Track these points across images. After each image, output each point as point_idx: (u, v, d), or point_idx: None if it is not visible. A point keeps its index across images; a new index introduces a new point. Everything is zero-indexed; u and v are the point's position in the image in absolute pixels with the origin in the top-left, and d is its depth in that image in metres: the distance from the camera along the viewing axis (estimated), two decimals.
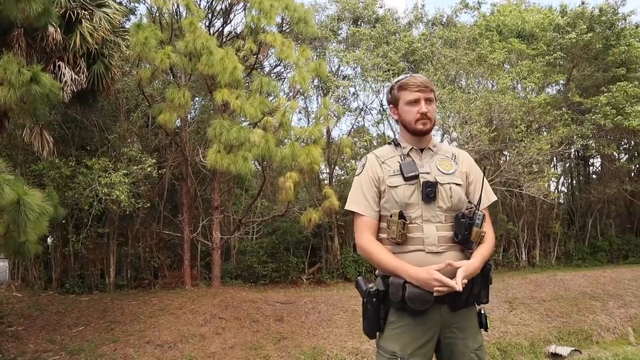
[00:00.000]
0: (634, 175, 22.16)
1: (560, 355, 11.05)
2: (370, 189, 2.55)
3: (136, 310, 11.41)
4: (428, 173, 2.50)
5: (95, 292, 13.39)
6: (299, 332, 11.31)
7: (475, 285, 2.41)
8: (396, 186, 2.48)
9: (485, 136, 14.96)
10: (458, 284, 2.22)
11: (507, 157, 17.96)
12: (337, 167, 18.23)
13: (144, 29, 11.01)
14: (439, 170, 2.53)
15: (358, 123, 19.46)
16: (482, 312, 2.55)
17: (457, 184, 2.52)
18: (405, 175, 2.47)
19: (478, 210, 2.46)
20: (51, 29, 9.32)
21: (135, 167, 12.26)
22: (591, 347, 12.25)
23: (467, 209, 2.50)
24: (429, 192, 2.43)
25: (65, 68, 9.92)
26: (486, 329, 2.55)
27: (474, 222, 2.42)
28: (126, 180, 11.60)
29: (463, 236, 2.41)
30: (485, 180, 2.63)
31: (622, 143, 21.91)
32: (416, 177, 2.47)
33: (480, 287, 2.45)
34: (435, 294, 2.27)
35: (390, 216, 2.44)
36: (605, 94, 16.96)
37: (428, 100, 2.55)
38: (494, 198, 2.70)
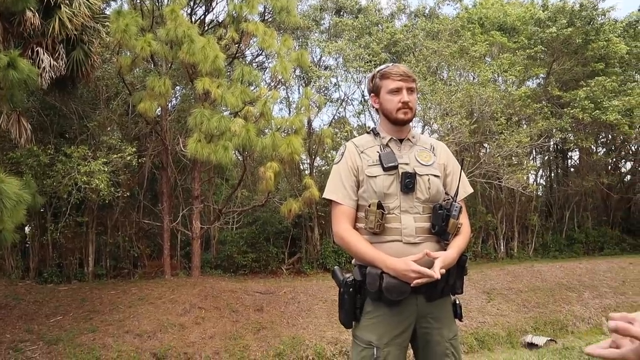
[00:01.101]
0: (611, 169, 22.58)
1: (536, 345, 11.20)
2: (348, 177, 2.54)
3: (115, 299, 11.35)
4: (407, 164, 2.50)
5: (73, 282, 13.30)
6: (278, 322, 11.35)
7: (451, 276, 2.41)
8: (375, 176, 2.47)
9: (466, 128, 15.07)
10: (436, 272, 2.22)
11: (487, 150, 18.14)
12: (317, 158, 18.28)
13: (124, 16, 10.90)
14: (417, 161, 2.53)
15: (339, 114, 19.57)
16: (457, 302, 2.56)
17: (435, 176, 2.52)
18: (385, 166, 2.46)
19: (455, 202, 2.47)
20: (29, 14, 9.16)
21: (115, 156, 12.16)
22: (566, 336, 12.44)
23: (444, 201, 2.51)
24: (408, 182, 2.42)
25: (43, 54, 9.77)
26: (461, 319, 2.57)
27: (451, 214, 2.42)
28: (106, 169, 11.51)
29: (440, 227, 2.42)
30: (463, 173, 2.64)
31: (600, 137, 22.25)
32: (395, 167, 2.46)
33: (455, 277, 2.47)
34: (413, 285, 2.27)
35: (369, 206, 2.43)
36: (584, 88, 17.19)
37: (410, 90, 2.54)
38: (471, 190, 2.72)
